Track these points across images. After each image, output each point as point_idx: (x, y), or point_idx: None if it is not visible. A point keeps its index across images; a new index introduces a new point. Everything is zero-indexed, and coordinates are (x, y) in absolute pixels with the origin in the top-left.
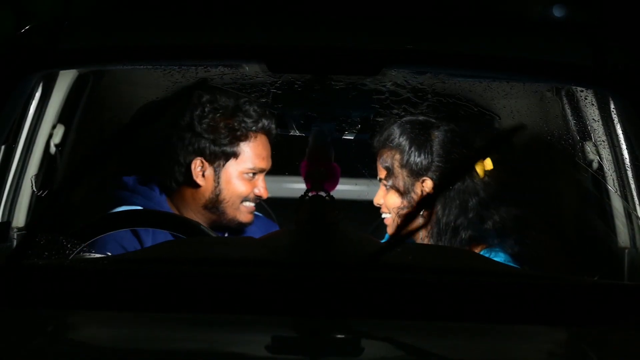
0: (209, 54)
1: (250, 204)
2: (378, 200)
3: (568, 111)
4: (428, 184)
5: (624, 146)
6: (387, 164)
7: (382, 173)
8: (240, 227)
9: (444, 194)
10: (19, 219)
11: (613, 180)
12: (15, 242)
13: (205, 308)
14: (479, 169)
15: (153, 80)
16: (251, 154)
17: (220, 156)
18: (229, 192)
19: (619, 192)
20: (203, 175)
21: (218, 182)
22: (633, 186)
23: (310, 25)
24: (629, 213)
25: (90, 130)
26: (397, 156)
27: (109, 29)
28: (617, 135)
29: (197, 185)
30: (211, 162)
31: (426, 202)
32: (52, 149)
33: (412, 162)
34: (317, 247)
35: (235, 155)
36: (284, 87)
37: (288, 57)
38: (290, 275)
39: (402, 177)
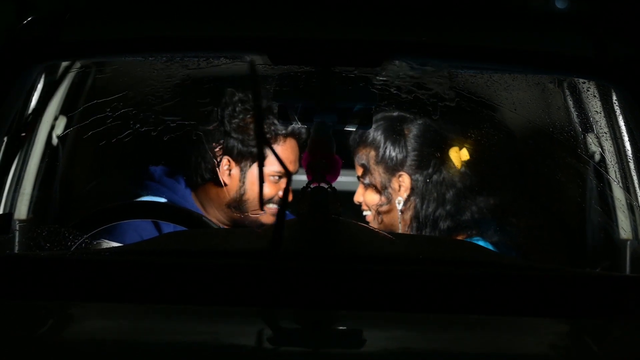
0: (210, 46)
1: (273, 207)
2: (357, 198)
3: (570, 103)
4: (405, 179)
5: (626, 138)
6: (363, 162)
7: (359, 171)
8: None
9: (422, 187)
10: (21, 210)
11: (615, 172)
12: (17, 234)
13: (207, 300)
14: (455, 160)
15: (154, 72)
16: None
17: (247, 157)
18: (253, 193)
19: (621, 183)
20: (229, 174)
21: (243, 182)
22: (635, 178)
23: (311, 16)
24: (631, 205)
25: (92, 122)
26: (372, 153)
27: (110, 20)
28: (619, 127)
29: (223, 184)
30: (238, 162)
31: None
32: (54, 141)
33: (387, 158)
34: (318, 239)
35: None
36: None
37: (290, 48)
38: (291, 266)
39: (378, 174)
